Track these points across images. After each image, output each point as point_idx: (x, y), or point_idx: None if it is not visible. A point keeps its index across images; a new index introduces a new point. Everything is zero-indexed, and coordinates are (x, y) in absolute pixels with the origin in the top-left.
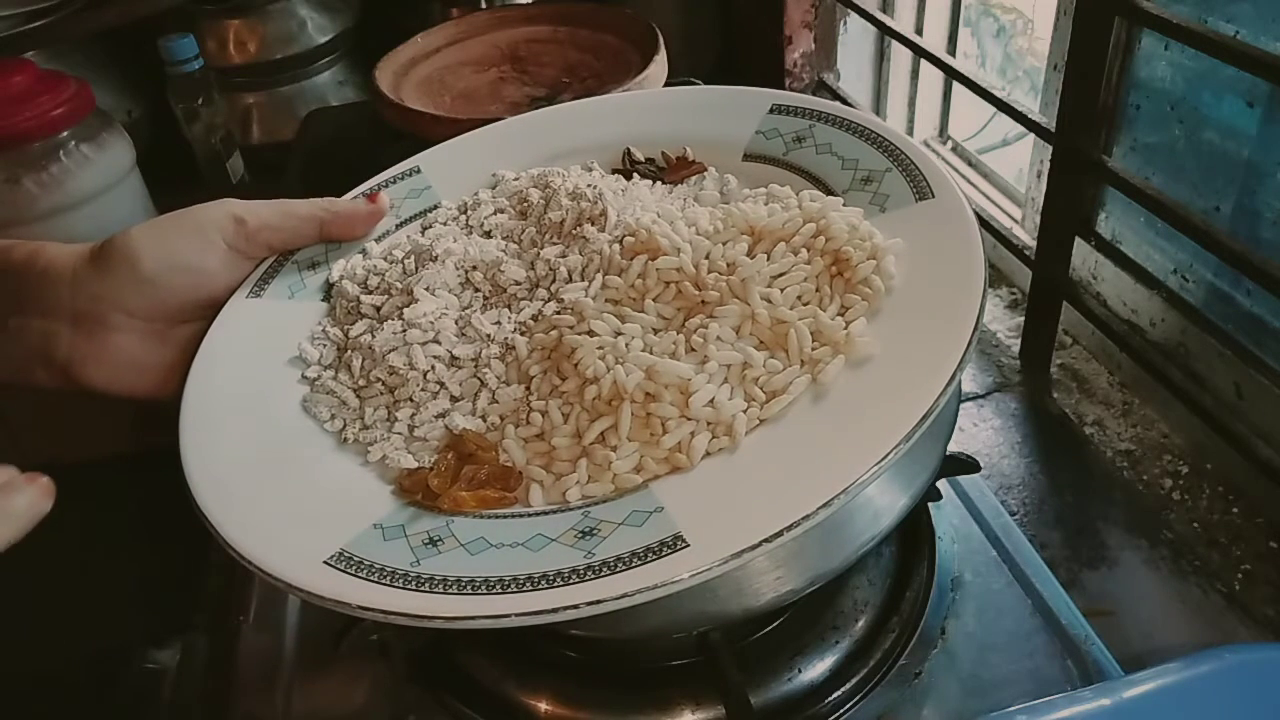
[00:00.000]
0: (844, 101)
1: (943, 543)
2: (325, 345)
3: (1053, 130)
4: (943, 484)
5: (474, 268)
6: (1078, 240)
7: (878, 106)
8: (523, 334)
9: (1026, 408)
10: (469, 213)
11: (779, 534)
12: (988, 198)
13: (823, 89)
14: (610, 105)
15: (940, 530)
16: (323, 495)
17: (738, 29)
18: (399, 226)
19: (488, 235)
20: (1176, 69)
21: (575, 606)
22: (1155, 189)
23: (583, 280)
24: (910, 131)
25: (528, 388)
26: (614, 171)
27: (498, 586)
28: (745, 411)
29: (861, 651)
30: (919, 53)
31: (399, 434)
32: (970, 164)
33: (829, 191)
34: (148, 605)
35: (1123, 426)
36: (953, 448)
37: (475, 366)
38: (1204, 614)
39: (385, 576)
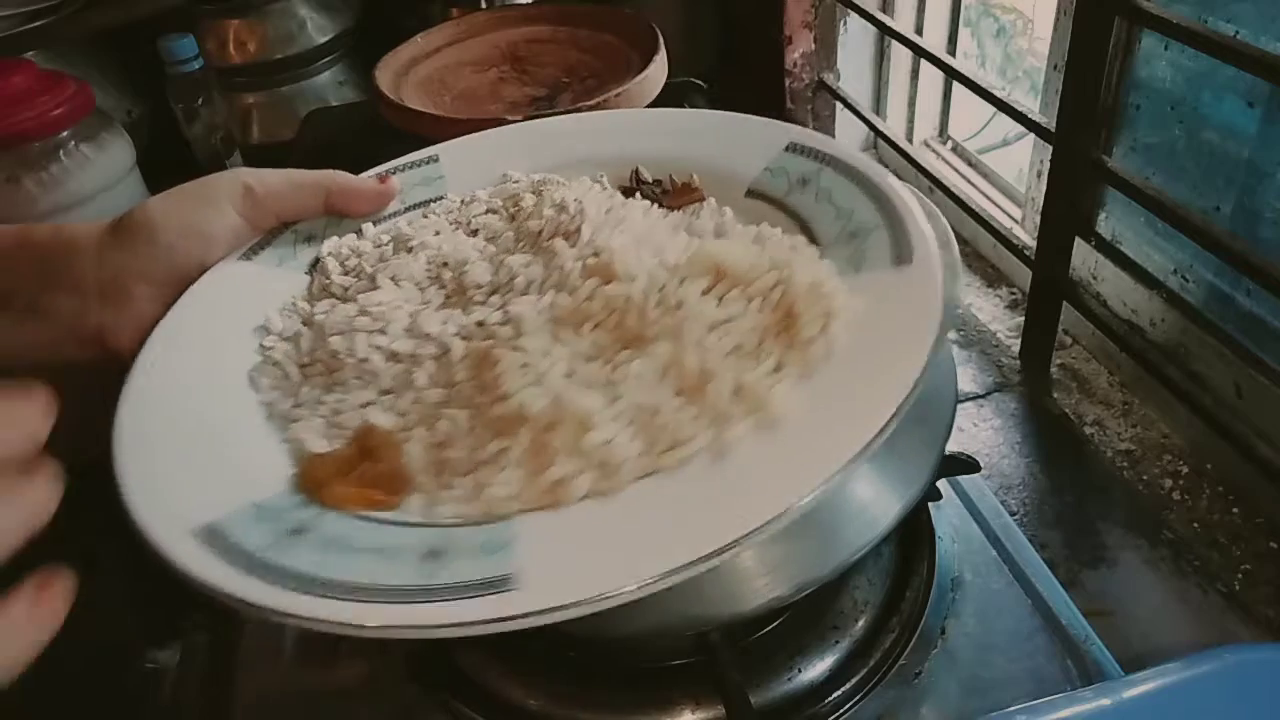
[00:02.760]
0: (844, 101)
1: (943, 543)
2: (291, 318)
3: (1053, 130)
4: (943, 484)
5: (444, 264)
6: (1078, 240)
7: (878, 106)
8: (465, 338)
9: (1026, 408)
10: (463, 208)
11: (607, 596)
12: (988, 198)
13: (823, 89)
14: (633, 119)
15: (940, 530)
16: (227, 466)
17: (738, 29)
18: (403, 211)
19: (474, 233)
20: (1176, 69)
21: (361, 627)
22: (1155, 189)
23: (538, 294)
24: (910, 132)
25: (449, 393)
26: (621, 188)
27: (317, 589)
28: (639, 457)
29: (861, 651)
30: (919, 53)
31: (322, 417)
32: (970, 164)
33: (814, 241)
34: (148, 605)
35: (1123, 426)
36: (953, 447)
37: (411, 363)
38: (1204, 614)
39: (231, 556)
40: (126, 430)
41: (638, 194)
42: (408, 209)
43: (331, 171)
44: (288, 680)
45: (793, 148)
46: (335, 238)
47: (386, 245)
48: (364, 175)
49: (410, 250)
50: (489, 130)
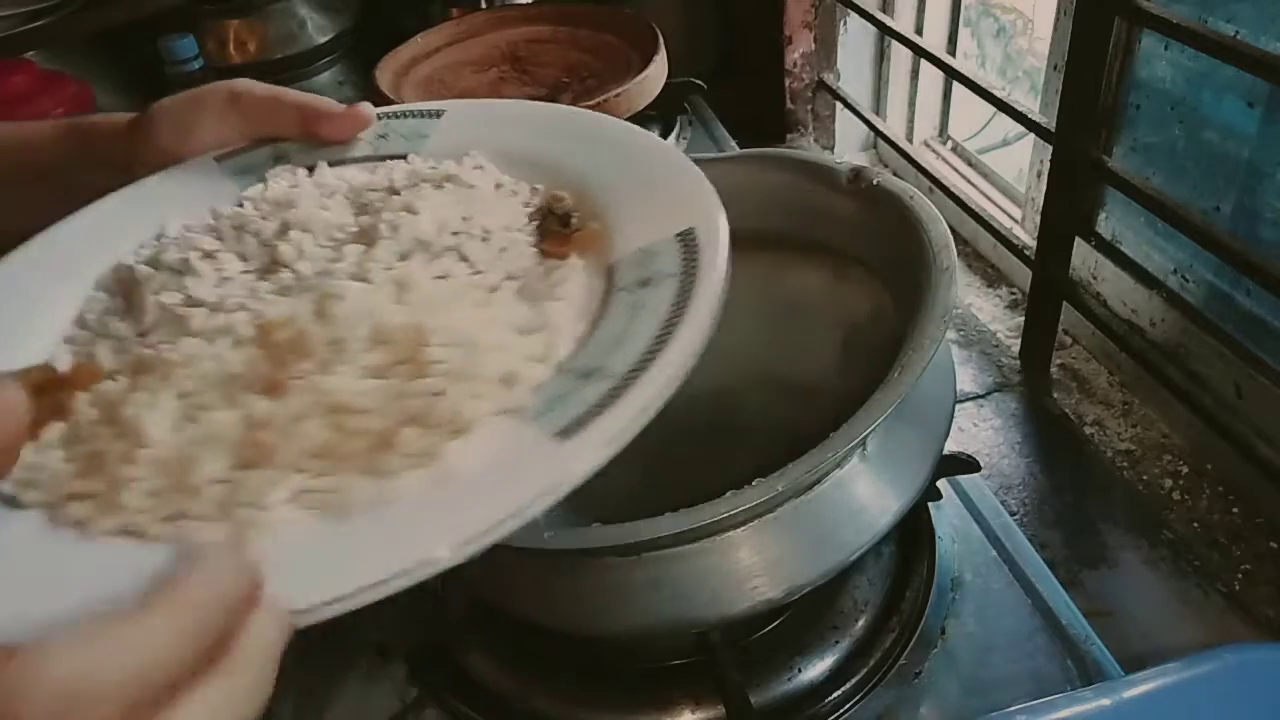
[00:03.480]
0: (844, 101)
1: (943, 543)
2: (186, 233)
3: (1053, 130)
4: (943, 484)
5: (293, 226)
6: (1078, 240)
7: (878, 106)
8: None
9: (1026, 408)
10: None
11: None
12: (988, 198)
13: (823, 89)
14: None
15: (940, 530)
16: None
17: (738, 29)
18: (371, 159)
19: (363, 208)
20: (1176, 69)
21: None
22: (1155, 189)
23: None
24: (910, 132)
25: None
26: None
27: None
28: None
29: (861, 651)
30: (919, 53)
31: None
32: (970, 164)
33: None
34: None
35: (1123, 426)
36: (953, 447)
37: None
38: (1204, 614)
39: None
40: None
41: (534, 222)
42: (370, 158)
43: (318, 96)
44: (287, 681)
45: (683, 237)
46: (290, 171)
47: (290, 190)
48: (359, 105)
49: (265, 219)
50: (509, 101)
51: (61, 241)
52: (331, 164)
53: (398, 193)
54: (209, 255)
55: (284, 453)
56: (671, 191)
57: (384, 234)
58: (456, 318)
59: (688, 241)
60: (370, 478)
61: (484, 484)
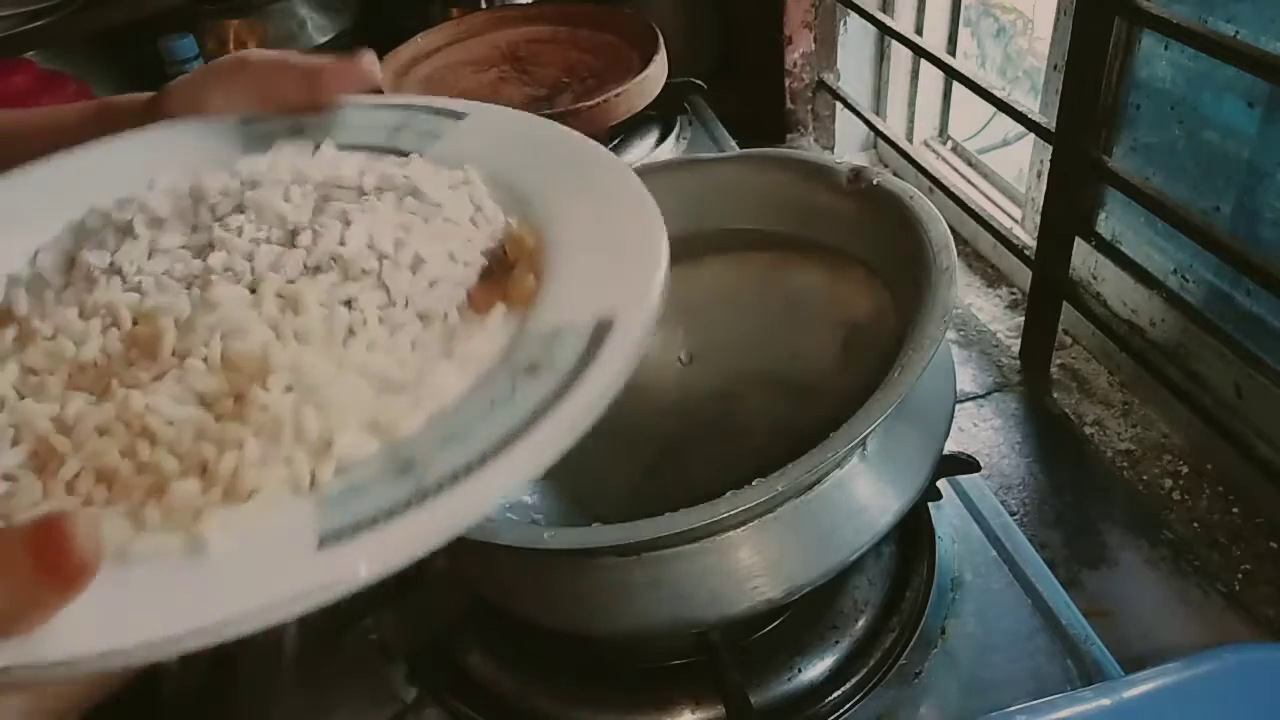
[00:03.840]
0: (844, 101)
1: (943, 543)
2: (154, 193)
3: (1053, 130)
4: (943, 484)
5: (246, 209)
6: (1078, 240)
7: (878, 106)
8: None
9: (1026, 408)
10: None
11: None
12: (988, 198)
13: (823, 89)
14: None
15: (940, 530)
16: None
17: (738, 29)
18: (374, 149)
19: (321, 204)
20: (1176, 69)
21: None
22: (1155, 189)
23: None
24: (910, 132)
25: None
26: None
27: None
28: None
29: (861, 651)
30: (919, 53)
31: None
32: (970, 164)
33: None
34: None
35: (1123, 426)
36: (953, 447)
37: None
38: (1204, 614)
39: None
40: None
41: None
42: (390, 151)
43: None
44: (288, 681)
45: (600, 327)
46: (293, 146)
47: (234, 183)
48: (360, 57)
49: (255, 184)
50: (528, 117)
51: (62, 172)
52: (341, 146)
53: (366, 195)
54: (156, 222)
55: (69, 466)
56: (625, 263)
57: (303, 241)
58: (315, 357)
59: (598, 334)
60: (129, 526)
61: (212, 577)
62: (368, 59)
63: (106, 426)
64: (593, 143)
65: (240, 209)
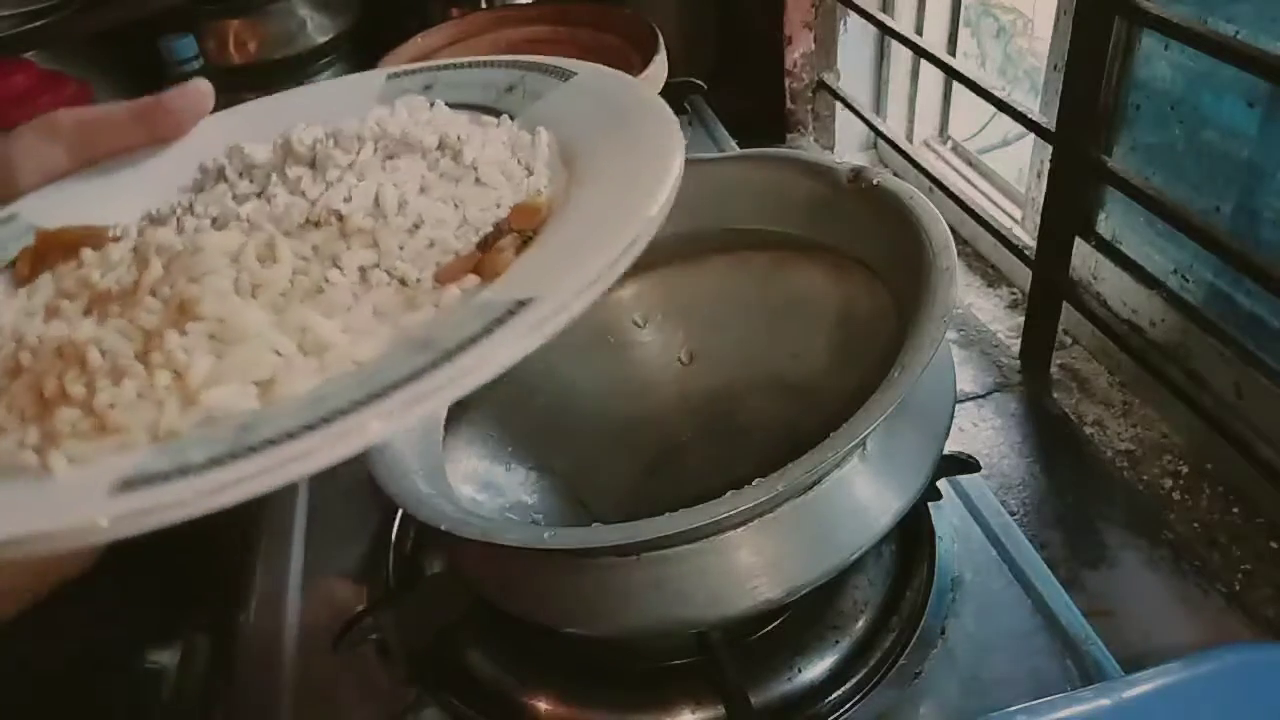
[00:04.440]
0: (844, 101)
1: (943, 543)
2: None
3: (1053, 130)
4: (943, 484)
5: (316, 163)
6: (1078, 240)
7: (878, 106)
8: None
9: (1026, 408)
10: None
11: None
12: (988, 198)
13: (823, 89)
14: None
15: (940, 530)
16: None
17: (738, 29)
18: (478, 108)
19: (387, 160)
20: (1176, 69)
21: None
22: (1155, 189)
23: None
24: (910, 132)
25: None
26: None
27: None
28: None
29: (861, 651)
30: (919, 53)
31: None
32: (970, 164)
33: None
34: (148, 605)
35: (1123, 426)
36: (953, 447)
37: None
38: (1204, 614)
39: None
40: None
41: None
42: (489, 110)
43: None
44: (288, 680)
45: (518, 305)
46: (320, 127)
47: (324, 136)
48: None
49: (314, 147)
50: (630, 82)
51: (264, 110)
52: (452, 105)
53: (427, 154)
54: (252, 168)
55: (23, 381)
56: (587, 249)
57: (312, 195)
58: (254, 312)
59: (504, 317)
60: (16, 446)
61: (21, 499)
62: (204, 85)
63: (61, 347)
64: (673, 123)
65: (310, 163)
